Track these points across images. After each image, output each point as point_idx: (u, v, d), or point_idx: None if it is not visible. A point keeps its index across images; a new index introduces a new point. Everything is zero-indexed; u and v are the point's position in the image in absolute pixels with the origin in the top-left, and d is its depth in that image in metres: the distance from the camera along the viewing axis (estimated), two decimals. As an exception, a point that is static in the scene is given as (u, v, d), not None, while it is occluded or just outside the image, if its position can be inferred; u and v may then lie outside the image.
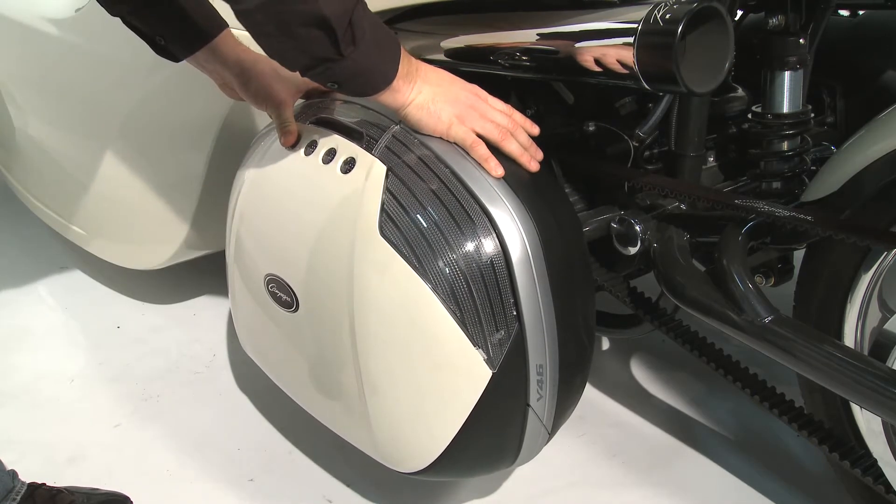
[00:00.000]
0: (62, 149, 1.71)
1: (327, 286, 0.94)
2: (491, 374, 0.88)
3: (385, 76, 0.85)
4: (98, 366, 1.54)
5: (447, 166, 0.89)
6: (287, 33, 0.79)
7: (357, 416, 0.97)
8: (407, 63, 0.87)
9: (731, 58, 0.85)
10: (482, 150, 0.90)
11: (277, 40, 0.81)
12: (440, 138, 0.91)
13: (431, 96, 0.90)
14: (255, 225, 1.06)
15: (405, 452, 0.97)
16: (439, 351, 0.88)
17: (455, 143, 0.91)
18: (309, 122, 1.00)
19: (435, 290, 0.86)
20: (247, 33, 1.03)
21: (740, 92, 1.18)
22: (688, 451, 1.24)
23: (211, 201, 1.43)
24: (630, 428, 1.30)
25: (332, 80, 0.85)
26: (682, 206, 1.09)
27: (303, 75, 0.85)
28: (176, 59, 0.98)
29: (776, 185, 1.07)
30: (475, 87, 0.94)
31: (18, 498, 1.05)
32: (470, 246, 0.87)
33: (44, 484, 1.09)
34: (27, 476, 1.08)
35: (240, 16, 0.81)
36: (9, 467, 1.06)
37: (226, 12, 0.98)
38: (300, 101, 1.06)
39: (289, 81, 1.00)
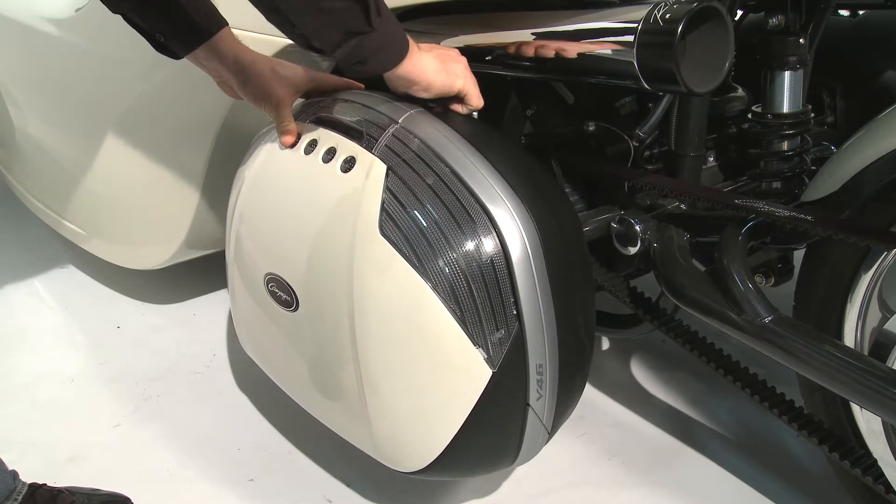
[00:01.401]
0: (62, 148, 1.71)
1: (327, 285, 0.94)
2: (491, 374, 0.88)
3: (402, 46, 0.90)
4: (98, 366, 1.54)
5: (447, 165, 0.89)
6: (321, 9, 0.83)
7: (357, 415, 0.97)
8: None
9: (731, 58, 0.85)
10: None
11: (312, 17, 0.84)
12: (441, 137, 0.92)
13: (438, 59, 0.95)
14: (255, 224, 1.06)
15: (405, 452, 0.97)
16: (439, 350, 0.88)
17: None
18: (309, 120, 1.00)
19: (435, 289, 0.86)
20: (246, 33, 1.03)
21: (740, 92, 1.18)
22: (688, 451, 1.24)
23: (211, 201, 1.43)
24: (630, 428, 1.30)
25: (359, 57, 0.88)
26: (682, 206, 1.09)
27: (332, 54, 0.88)
28: (176, 57, 0.99)
29: (776, 185, 1.07)
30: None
31: (20, 498, 1.05)
32: (470, 245, 0.87)
33: (45, 484, 1.09)
34: (27, 476, 1.08)
35: (270, 9, 0.84)
36: (9, 467, 1.06)
37: (226, 11, 0.98)
38: (299, 101, 1.06)
39: (287, 81, 1.01)
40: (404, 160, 0.90)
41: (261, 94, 1.00)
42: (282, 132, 1.00)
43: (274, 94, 0.99)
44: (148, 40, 0.98)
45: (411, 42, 0.92)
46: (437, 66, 0.95)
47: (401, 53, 0.90)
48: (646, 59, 0.84)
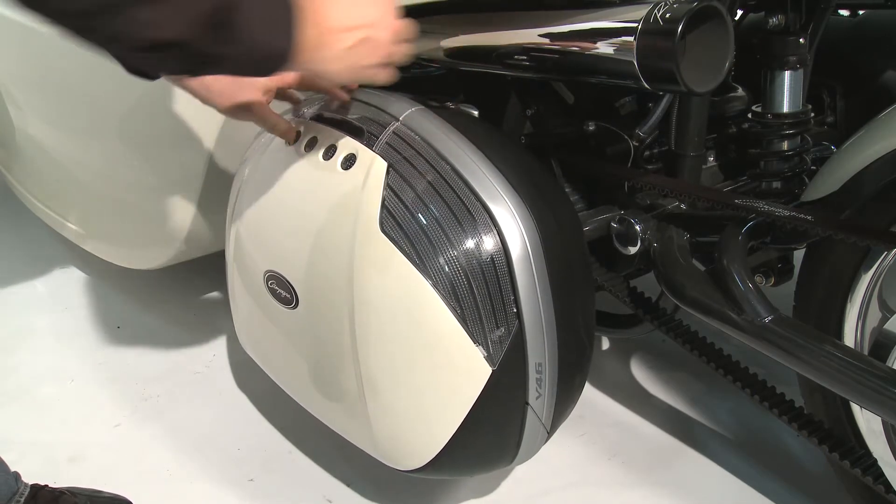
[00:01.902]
0: (62, 148, 1.71)
1: (327, 283, 0.94)
2: (491, 372, 0.88)
3: (282, 55, 0.71)
4: (98, 366, 1.54)
5: (448, 163, 0.89)
6: (141, 61, 0.70)
7: (356, 412, 0.97)
8: (309, 25, 0.72)
9: (731, 57, 0.85)
10: None
11: (132, 63, 0.72)
12: (442, 135, 0.92)
13: (348, 54, 0.77)
14: (255, 222, 1.06)
15: (404, 450, 0.97)
16: (439, 348, 0.88)
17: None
18: (309, 118, 1.00)
19: (435, 286, 0.86)
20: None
21: (740, 92, 1.18)
22: (688, 451, 1.24)
23: (211, 201, 1.43)
24: (630, 428, 1.30)
25: (213, 74, 0.77)
26: (682, 206, 1.09)
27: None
28: (150, 78, 0.95)
29: (776, 184, 1.07)
30: None
31: (22, 500, 1.05)
32: (470, 243, 0.87)
33: (46, 486, 1.08)
34: (27, 476, 1.08)
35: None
36: (10, 468, 1.06)
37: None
38: (301, 99, 1.05)
39: (252, 85, 0.94)
40: (405, 157, 0.90)
41: (232, 107, 0.95)
42: (276, 134, 0.98)
43: (244, 106, 0.94)
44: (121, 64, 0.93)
45: (308, 35, 0.71)
46: (345, 67, 0.79)
47: (277, 63, 0.71)
48: (646, 59, 0.84)
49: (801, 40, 1.01)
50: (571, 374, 0.97)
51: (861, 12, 1.30)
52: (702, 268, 1.00)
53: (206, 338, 1.61)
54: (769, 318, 0.90)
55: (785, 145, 1.05)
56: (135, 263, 1.67)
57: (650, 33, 0.83)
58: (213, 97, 0.94)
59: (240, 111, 0.95)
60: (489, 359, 0.88)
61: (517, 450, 0.97)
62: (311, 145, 0.97)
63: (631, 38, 0.84)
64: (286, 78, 0.98)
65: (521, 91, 1.21)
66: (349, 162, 0.92)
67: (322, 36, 0.74)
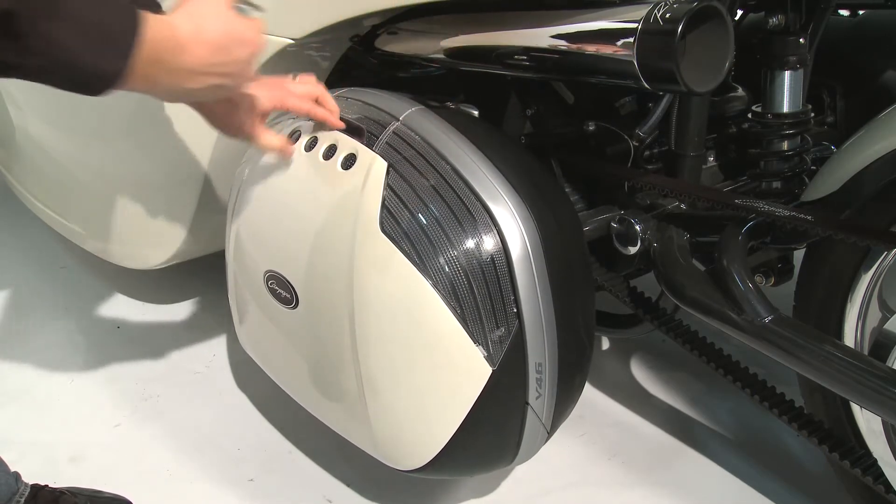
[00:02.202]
0: (62, 148, 1.70)
1: (327, 282, 0.94)
2: (491, 372, 0.88)
3: (112, 77, 0.66)
4: (98, 366, 1.54)
5: (448, 163, 0.90)
6: None
7: (356, 412, 0.97)
8: (154, 45, 0.67)
9: (731, 57, 0.85)
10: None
11: None
12: (442, 135, 0.92)
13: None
14: (255, 222, 1.06)
15: (404, 450, 0.97)
16: (439, 347, 0.88)
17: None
18: (309, 118, 1.00)
19: (435, 286, 0.86)
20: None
21: (740, 92, 1.19)
22: (688, 451, 1.24)
23: (211, 201, 1.43)
24: (630, 428, 1.30)
25: (25, 79, 0.68)
26: (682, 206, 1.09)
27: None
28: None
29: (776, 184, 1.07)
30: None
31: (22, 500, 1.05)
32: (471, 243, 0.87)
33: (46, 486, 1.08)
34: (27, 476, 1.08)
35: None
36: (10, 468, 1.06)
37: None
38: None
39: (247, 107, 0.92)
40: (405, 157, 0.90)
41: (226, 129, 0.93)
42: (273, 152, 0.97)
43: (237, 126, 0.93)
44: None
45: (150, 64, 0.67)
46: (185, 98, 0.79)
47: (103, 82, 0.66)
48: (646, 59, 0.84)
49: (801, 40, 1.01)
50: (571, 374, 0.97)
51: (861, 12, 1.30)
52: (702, 268, 1.01)
53: (206, 338, 1.61)
54: (769, 318, 0.90)
55: (785, 145, 1.05)
56: (135, 263, 1.67)
57: (650, 33, 0.83)
58: (205, 115, 0.92)
59: (232, 131, 0.93)
60: (489, 359, 0.88)
61: (517, 450, 0.97)
62: (311, 145, 0.97)
63: (631, 39, 0.84)
64: (280, 100, 0.95)
65: (521, 91, 1.21)
66: (349, 162, 0.93)
67: (170, 73, 0.71)
